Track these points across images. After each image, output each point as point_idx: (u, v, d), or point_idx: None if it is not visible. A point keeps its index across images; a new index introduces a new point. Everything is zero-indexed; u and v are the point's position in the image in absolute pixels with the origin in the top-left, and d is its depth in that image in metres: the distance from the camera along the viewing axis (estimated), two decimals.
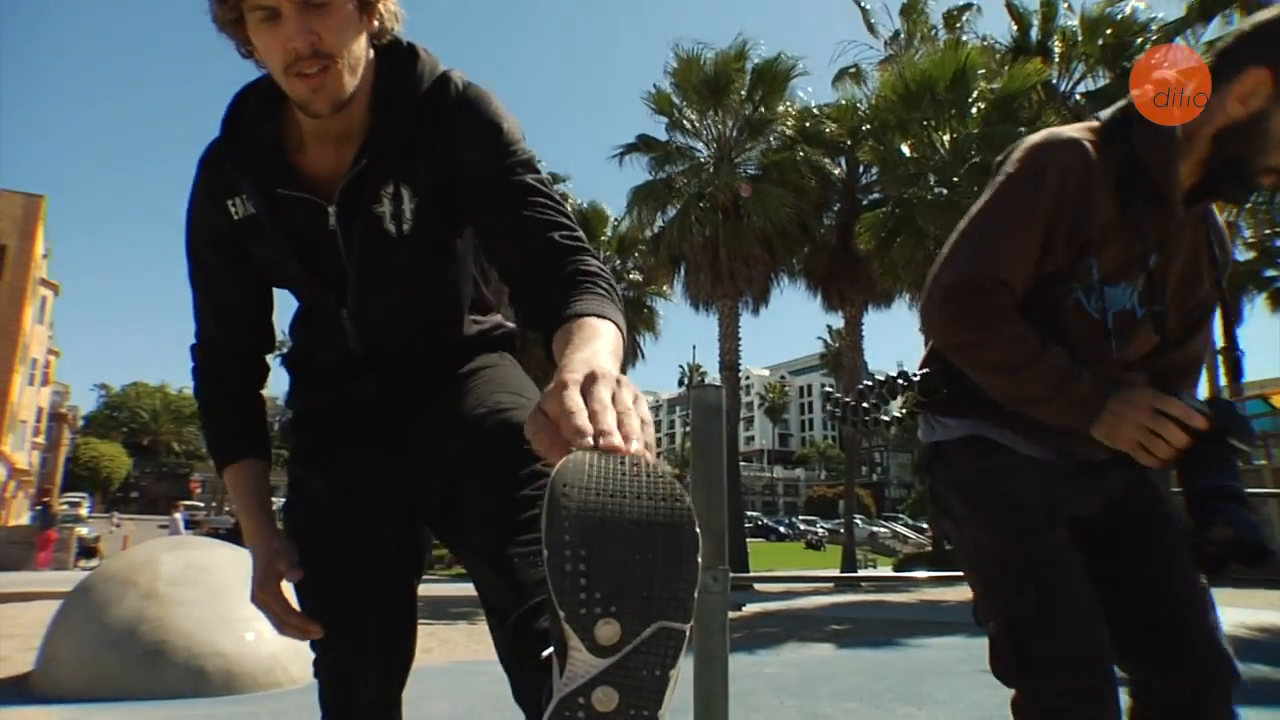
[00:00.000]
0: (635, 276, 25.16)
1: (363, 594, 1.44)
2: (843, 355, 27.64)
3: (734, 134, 21.68)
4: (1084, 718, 1.48)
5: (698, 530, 0.82)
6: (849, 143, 21.46)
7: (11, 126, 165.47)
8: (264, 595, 1.45)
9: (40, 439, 52.84)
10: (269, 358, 1.60)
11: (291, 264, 1.41)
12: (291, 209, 1.36)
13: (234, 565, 6.79)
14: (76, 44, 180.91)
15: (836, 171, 22.13)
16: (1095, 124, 1.61)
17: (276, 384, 1.73)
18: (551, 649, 0.83)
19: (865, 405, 1.71)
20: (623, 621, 0.76)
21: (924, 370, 1.73)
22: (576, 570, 0.76)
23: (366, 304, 1.41)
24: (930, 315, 1.57)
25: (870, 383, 1.73)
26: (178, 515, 29.53)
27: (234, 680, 5.95)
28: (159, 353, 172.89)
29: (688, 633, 0.78)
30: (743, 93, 21.45)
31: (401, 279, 1.41)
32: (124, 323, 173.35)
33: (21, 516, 41.01)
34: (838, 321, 27.94)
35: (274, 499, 1.58)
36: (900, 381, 1.69)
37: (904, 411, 1.75)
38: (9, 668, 6.80)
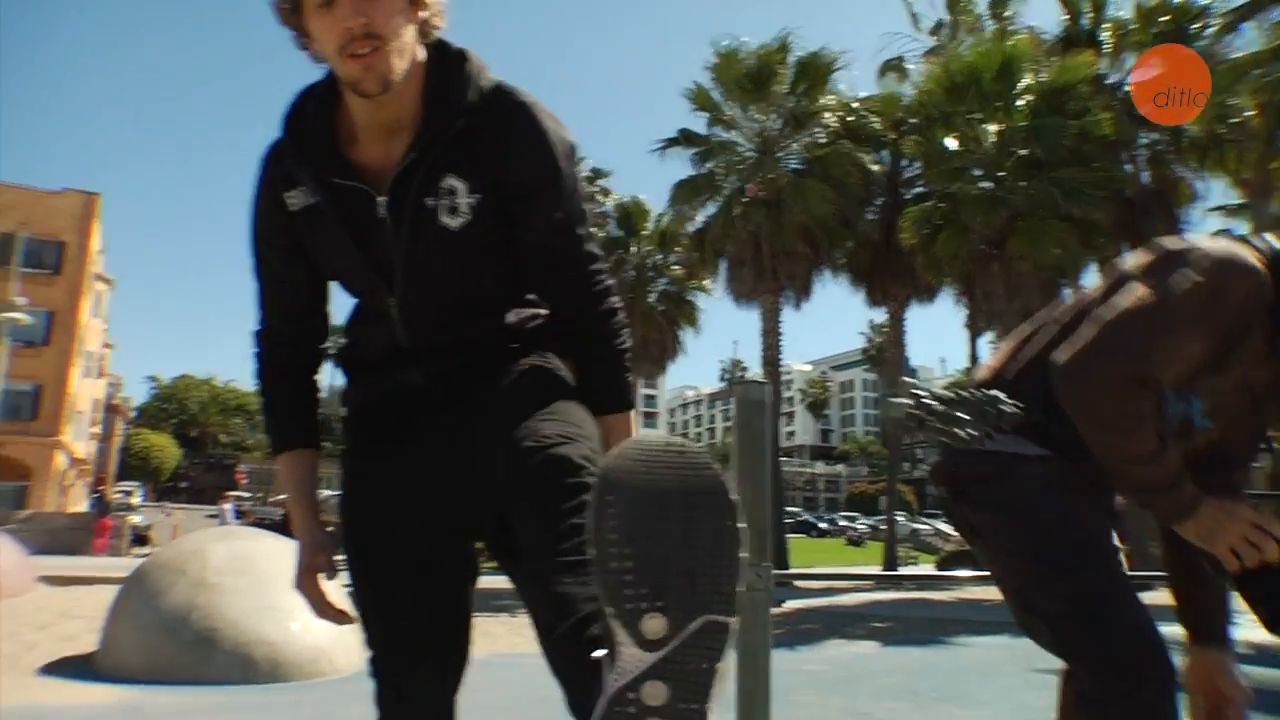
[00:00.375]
0: (676, 270, 25.10)
1: (413, 595, 1.46)
2: (885, 350, 27.40)
3: (776, 128, 21.53)
4: (1159, 677, 1.53)
5: (742, 525, 0.83)
6: (892, 136, 21.21)
7: (68, 126, 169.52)
8: (304, 584, 1.55)
9: (96, 429, 54.08)
10: (323, 347, 1.66)
11: (346, 252, 1.46)
12: (345, 199, 1.42)
13: (280, 556, 6.89)
14: (129, 44, 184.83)
15: (879, 166, 21.86)
16: (1259, 252, 1.65)
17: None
18: (602, 652, 0.85)
19: (959, 416, 1.75)
20: (669, 615, 0.77)
21: (1015, 399, 1.77)
22: (623, 567, 0.77)
23: (414, 293, 1.45)
24: (1083, 392, 1.60)
25: (959, 394, 1.76)
26: (227, 506, 30.12)
27: (280, 668, 6.05)
28: (206, 346, 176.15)
29: (734, 626, 0.80)
30: (785, 87, 21.28)
31: (449, 270, 1.45)
32: (173, 316, 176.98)
33: (80, 504, 42.05)
34: (880, 316, 27.70)
35: (323, 490, 1.62)
36: (1002, 406, 1.73)
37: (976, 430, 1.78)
38: (77, 646, 7.06)
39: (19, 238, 37.17)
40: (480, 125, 1.41)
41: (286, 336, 1.61)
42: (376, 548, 1.48)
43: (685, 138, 21.90)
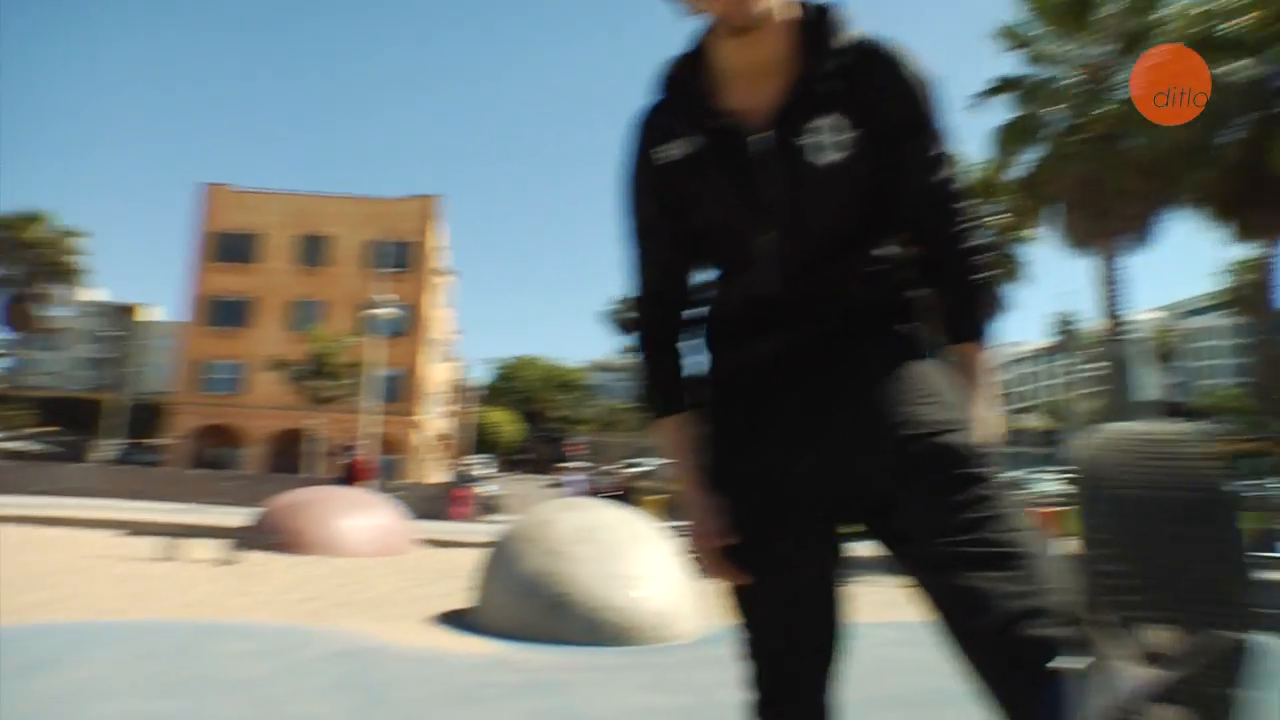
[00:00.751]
0: (999, 219, 23.48)
1: (782, 580, 1.47)
2: (1249, 292, 23.99)
3: (1105, 54, 19.38)
4: None
5: (1244, 525, 0.69)
6: (1259, 38, 18.18)
7: (416, 139, 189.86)
8: (700, 547, 1.52)
9: (449, 408, 60.43)
10: (688, 316, 1.66)
11: (722, 196, 1.50)
12: (722, 142, 1.48)
13: (621, 526, 7.28)
14: (466, 61, 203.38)
15: (1242, 78, 18.87)
16: None
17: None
18: (1059, 660, 0.76)
19: None
20: (1181, 629, 0.65)
21: None
22: (1118, 570, 0.67)
23: (788, 230, 1.48)
24: None
25: None
26: (574, 478, 32.53)
27: (625, 632, 6.36)
28: (535, 328, 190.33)
29: (1255, 646, 0.66)
30: (1113, 6, 19.10)
31: (823, 207, 1.47)
32: (509, 302, 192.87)
33: (436, 475, 47.07)
34: (1239, 253, 24.23)
35: (646, 461, 1.61)
36: None
37: None
38: (456, 602, 7.97)
39: (385, 242, 42.66)
40: (853, 68, 1.45)
41: (665, 299, 1.64)
42: (743, 532, 1.48)
43: (1005, 84, 20.28)
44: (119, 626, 6.19)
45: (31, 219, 49.17)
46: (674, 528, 10.28)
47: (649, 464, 40.63)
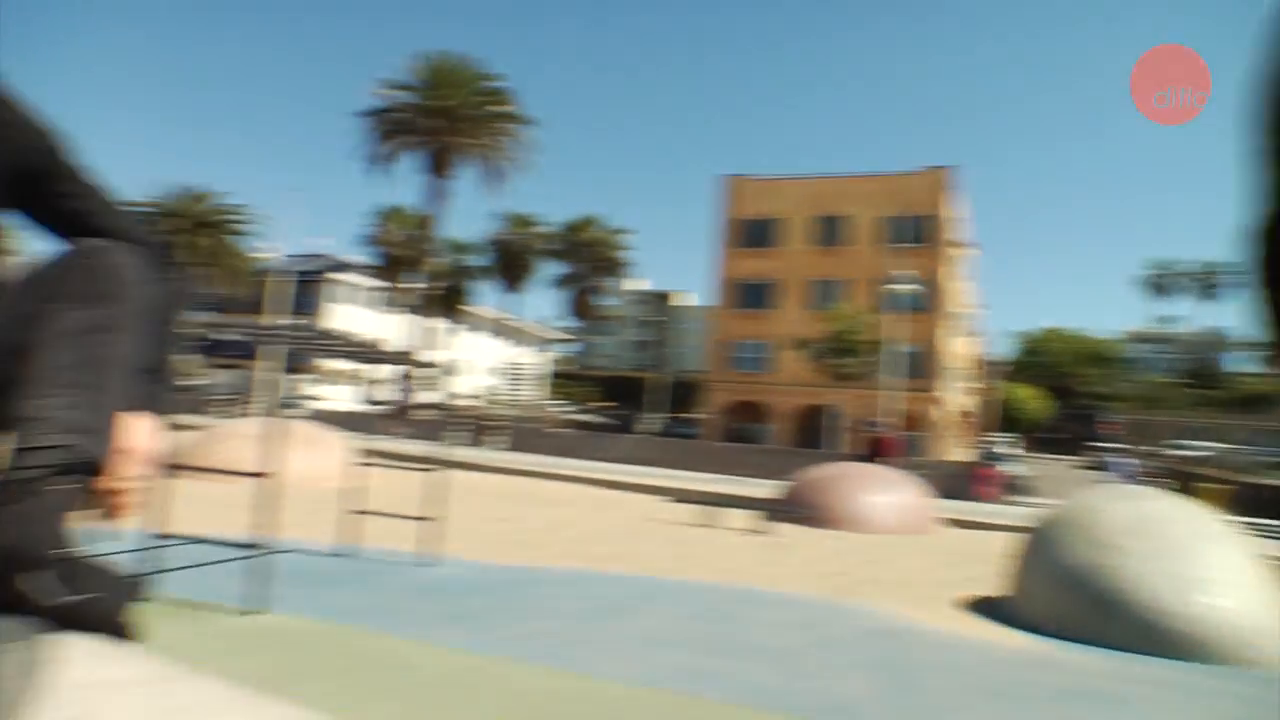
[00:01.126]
0: None
1: None
2: None
3: None
4: None
5: None
6: None
7: (932, 108, 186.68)
8: None
9: (970, 384, 58.45)
10: None
11: None
12: None
13: (1184, 519, 6.37)
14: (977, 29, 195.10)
15: None
16: None
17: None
18: None
19: None
20: None
21: None
22: None
23: None
24: None
25: None
26: (1121, 460, 29.72)
27: (1191, 646, 5.58)
28: (1064, 299, 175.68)
29: None
30: None
31: None
32: (1035, 274, 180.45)
33: (957, 453, 45.82)
34: None
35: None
36: None
37: None
38: (986, 588, 7.69)
39: (900, 218, 42.80)
40: None
41: None
42: None
43: None
44: (669, 585, 6.92)
45: (586, 223, 57.85)
46: (1243, 524, 8.78)
47: (1202, 447, 35.31)
